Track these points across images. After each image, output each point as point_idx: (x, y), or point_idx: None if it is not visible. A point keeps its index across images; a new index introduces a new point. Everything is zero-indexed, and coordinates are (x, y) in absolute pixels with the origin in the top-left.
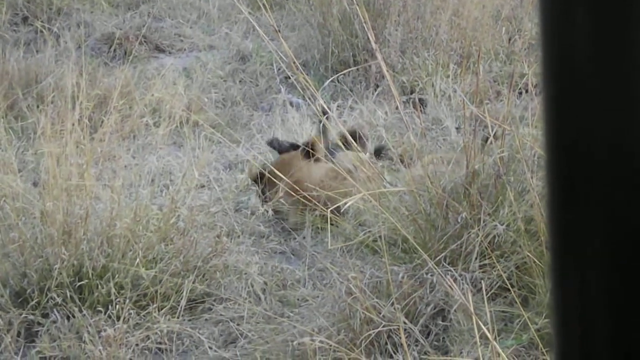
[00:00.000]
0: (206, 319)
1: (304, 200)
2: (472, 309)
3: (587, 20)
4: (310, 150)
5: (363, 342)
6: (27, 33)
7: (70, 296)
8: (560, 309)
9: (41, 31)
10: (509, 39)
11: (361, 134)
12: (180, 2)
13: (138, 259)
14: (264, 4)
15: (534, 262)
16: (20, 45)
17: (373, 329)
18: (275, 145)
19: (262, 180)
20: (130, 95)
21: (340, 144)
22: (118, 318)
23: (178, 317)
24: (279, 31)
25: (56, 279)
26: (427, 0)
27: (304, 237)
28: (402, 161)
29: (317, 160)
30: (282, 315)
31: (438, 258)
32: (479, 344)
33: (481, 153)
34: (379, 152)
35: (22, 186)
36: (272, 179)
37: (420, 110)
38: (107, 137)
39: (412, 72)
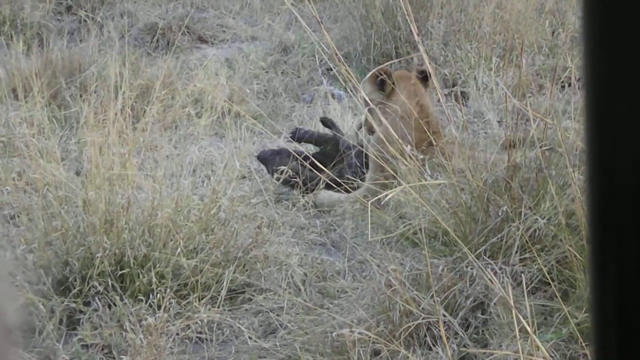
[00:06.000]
0: (246, 309)
1: (425, 127)
2: (512, 302)
3: (632, 14)
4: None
5: (402, 334)
6: (70, 22)
7: (112, 285)
8: (599, 301)
9: (85, 20)
10: (553, 32)
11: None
12: None
13: (179, 249)
14: None
15: (575, 256)
16: (64, 35)
17: (412, 322)
18: (298, 137)
19: (383, 86)
20: (173, 85)
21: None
22: (159, 307)
23: (218, 307)
24: (322, 23)
25: (98, 267)
26: None
27: (344, 229)
28: (443, 154)
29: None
30: (322, 306)
31: (478, 251)
32: (518, 337)
33: (522, 145)
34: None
35: (65, 175)
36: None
37: (462, 103)
38: (149, 127)
39: (454, 65)
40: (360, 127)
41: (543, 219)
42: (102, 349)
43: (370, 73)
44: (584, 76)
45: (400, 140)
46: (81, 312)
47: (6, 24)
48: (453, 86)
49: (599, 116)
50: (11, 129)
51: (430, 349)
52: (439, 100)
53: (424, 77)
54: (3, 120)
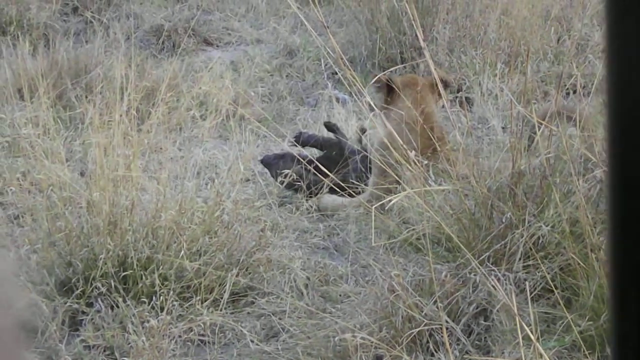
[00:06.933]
0: (248, 313)
1: (430, 134)
2: (515, 309)
3: None
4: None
5: (405, 339)
6: (77, 23)
7: (115, 286)
8: (618, 300)
9: (91, 22)
10: (558, 39)
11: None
12: None
13: (182, 251)
14: None
15: (578, 264)
16: (70, 36)
17: (415, 327)
18: (302, 141)
19: (388, 90)
20: (178, 87)
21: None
22: (162, 309)
23: (221, 310)
24: (328, 27)
25: (101, 268)
26: None
27: (348, 233)
28: (447, 159)
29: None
30: (324, 310)
31: (482, 258)
32: (521, 344)
33: (527, 151)
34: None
35: (69, 176)
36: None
37: (467, 109)
38: (154, 129)
39: (459, 71)
40: (364, 131)
41: (547, 226)
42: (105, 350)
43: (375, 78)
44: (607, 81)
45: (404, 146)
46: (84, 313)
47: (12, 24)
48: (458, 92)
49: (621, 121)
50: (16, 129)
51: (433, 355)
52: (443, 106)
53: (444, 85)
54: (8, 121)
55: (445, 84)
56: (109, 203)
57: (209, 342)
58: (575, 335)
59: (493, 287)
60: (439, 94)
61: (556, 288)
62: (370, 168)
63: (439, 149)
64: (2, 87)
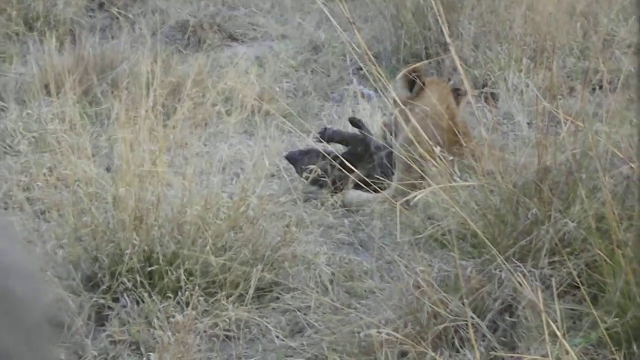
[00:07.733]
0: (274, 308)
1: (455, 131)
2: (541, 305)
3: None
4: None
5: (430, 336)
6: (103, 19)
7: (141, 282)
8: None
9: (117, 18)
10: (584, 35)
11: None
12: None
13: (208, 247)
14: None
15: (605, 260)
16: (97, 32)
17: (440, 324)
18: (327, 137)
19: (413, 86)
20: (204, 83)
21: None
22: (187, 305)
23: (246, 306)
24: (353, 23)
25: (127, 264)
26: None
27: (373, 229)
28: (473, 156)
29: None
30: (350, 306)
31: (507, 254)
32: (547, 341)
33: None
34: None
35: (96, 171)
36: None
37: (493, 105)
38: (180, 124)
39: (485, 67)
40: (389, 127)
41: (573, 222)
42: (130, 346)
43: (401, 73)
44: (638, 77)
45: (430, 142)
46: (110, 308)
47: (39, 21)
48: (483, 87)
49: None
50: (43, 124)
51: (458, 351)
52: (469, 102)
53: (459, 94)
54: (35, 116)
55: (459, 94)
56: (135, 199)
57: (234, 338)
58: (602, 332)
59: (519, 283)
60: (458, 101)
61: (582, 284)
62: (395, 164)
63: (464, 144)
64: (29, 83)
